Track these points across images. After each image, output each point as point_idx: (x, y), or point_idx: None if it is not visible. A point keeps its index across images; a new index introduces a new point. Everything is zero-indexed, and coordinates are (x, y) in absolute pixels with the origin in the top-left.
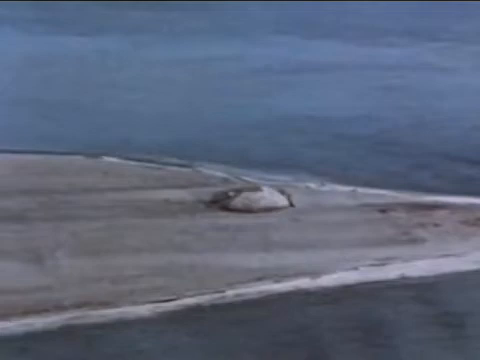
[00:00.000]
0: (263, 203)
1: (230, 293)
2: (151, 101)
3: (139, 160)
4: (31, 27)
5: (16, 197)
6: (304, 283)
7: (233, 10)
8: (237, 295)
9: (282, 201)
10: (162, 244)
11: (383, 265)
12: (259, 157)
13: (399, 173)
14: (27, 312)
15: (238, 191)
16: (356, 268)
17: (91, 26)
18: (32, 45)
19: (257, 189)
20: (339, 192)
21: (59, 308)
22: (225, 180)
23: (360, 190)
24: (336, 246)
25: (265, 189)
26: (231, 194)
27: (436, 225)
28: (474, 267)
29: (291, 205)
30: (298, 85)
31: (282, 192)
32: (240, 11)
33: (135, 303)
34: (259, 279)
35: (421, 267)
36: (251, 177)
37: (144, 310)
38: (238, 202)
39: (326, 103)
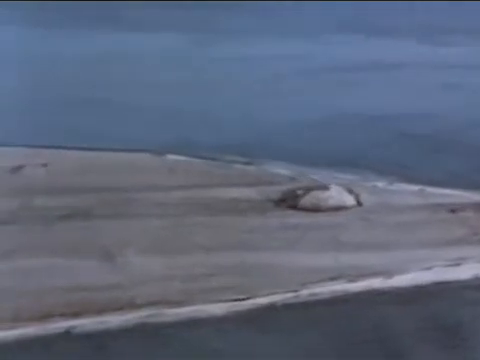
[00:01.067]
0: (331, 202)
1: (304, 292)
2: (211, 99)
3: (204, 158)
4: (91, 25)
5: (82, 194)
6: (377, 283)
7: (292, 9)
8: (311, 295)
9: (350, 200)
10: (232, 243)
11: (456, 265)
12: (323, 155)
13: (463, 172)
14: (102, 310)
15: (306, 190)
16: (429, 268)
17: (149, 24)
18: (91, 43)
19: (325, 188)
20: (407, 191)
21: (133, 306)
22: (292, 179)
23: (428, 189)
24: (407, 246)
25: (333, 188)
26: (299, 193)
27: None
28: None
29: (359, 204)
30: (359, 83)
31: (350, 191)
32: (299, 10)
33: (208, 302)
34: (332, 279)
35: None
36: (317, 176)
37: (217, 309)
38: (306, 201)
39: (387, 101)
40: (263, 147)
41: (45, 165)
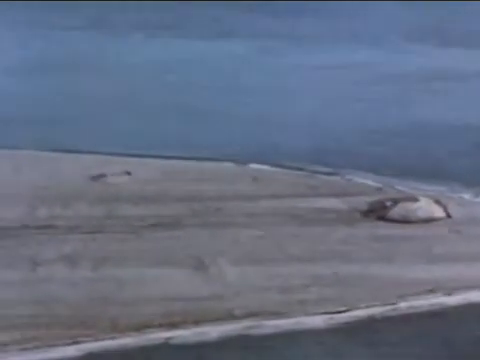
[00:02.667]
0: (420, 214)
1: (402, 305)
2: (285, 107)
3: (287, 167)
4: (156, 32)
5: (170, 203)
6: (476, 296)
7: (360, 16)
8: (409, 307)
9: (439, 212)
10: (325, 254)
11: None
12: (407, 165)
13: None
14: (200, 321)
15: (394, 201)
16: None
17: (216, 30)
18: (159, 50)
19: (414, 199)
20: None
21: (231, 317)
22: (378, 189)
23: None
24: None
25: (422, 199)
26: (388, 204)
27: None
28: None
29: (448, 216)
30: (434, 92)
31: (438, 203)
32: (366, 18)
33: (307, 314)
34: (430, 291)
35: None
36: (403, 186)
37: (317, 321)
38: (395, 212)
39: (464, 111)
40: (345, 156)
41: (128, 173)
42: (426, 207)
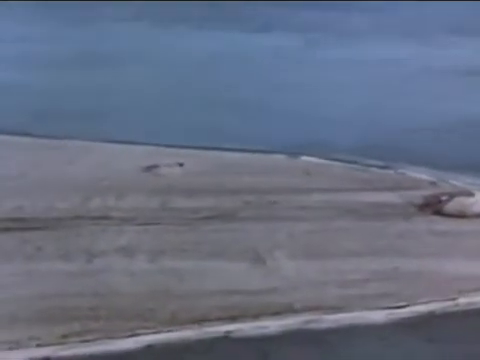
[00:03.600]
0: (476, 209)
1: (463, 301)
2: (333, 101)
3: (338, 160)
4: (201, 25)
5: (224, 196)
6: None
7: (404, 11)
8: (470, 303)
9: None
10: (382, 248)
11: None
12: (459, 159)
13: None
14: (259, 314)
15: (450, 196)
16: None
17: (259, 24)
18: (204, 42)
19: (469, 194)
20: None
21: (290, 311)
22: (432, 183)
23: None
24: None
25: (477, 194)
26: (443, 198)
27: None
28: None
29: None
30: None
31: None
32: (411, 12)
33: (367, 308)
34: None
35: None
36: (457, 181)
37: (377, 316)
38: (451, 207)
39: None
40: (396, 150)
41: (181, 165)
42: None
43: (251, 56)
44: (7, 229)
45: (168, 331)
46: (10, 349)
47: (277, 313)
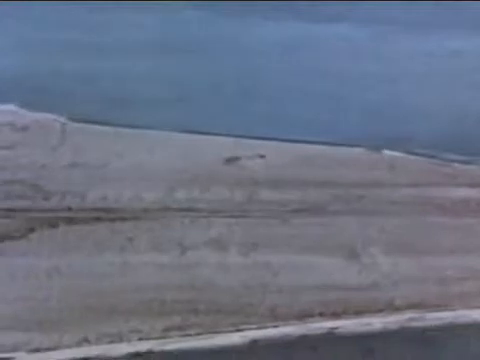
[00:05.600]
0: None
1: None
2: (409, 94)
3: (421, 155)
4: (270, 14)
5: (309, 189)
6: None
7: (473, 3)
8: None
9: None
10: (477, 246)
11: None
12: None
13: None
14: (361, 311)
15: None
16: None
17: (328, 14)
18: (273, 32)
19: None
20: None
21: (392, 308)
22: None
23: None
24: None
25: None
26: None
27: None
28: None
29: None
30: None
31: None
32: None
33: (468, 307)
34: None
35: None
36: None
37: (478, 314)
38: None
39: None
40: (477, 144)
41: (263, 157)
42: None
43: (321, 46)
44: (97, 219)
45: (271, 326)
46: (112, 342)
47: (379, 310)
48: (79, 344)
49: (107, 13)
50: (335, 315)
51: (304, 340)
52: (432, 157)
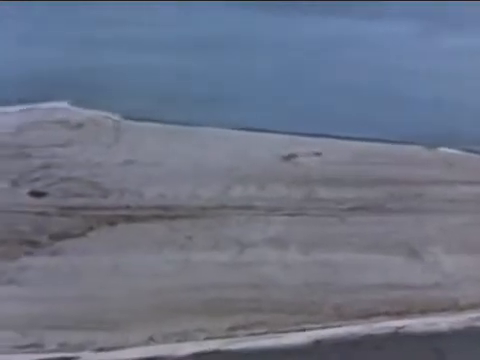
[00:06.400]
0: None
1: None
2: (459, 91)
3: (477, 152)
4: (309, 10)
5: (367, 187)
6: None
7: None
8: None
9: None
10: None
11: None
12: None
13: None
14: (426, 310)
15: None
16: None
17: (372, 10)
18: (315, 28)
19: None
20: None
21: (457, 308)
22: None
23: None
24: None
25: None
26: None
27: None
28: None
29: None
30: None
31: None
32: None
33: None
34: None
35: None
36: None
37: None
38: None
39: None
40: None
41: (319, 154)
42: None
43: (366, 42)
44: (155, 217)
45: (336, 326)
46: (179, 342)
47: (444, 310)
48: (145, 343)
49: (148, 9)
50: (399, 314)
51: (369, 339)
52: None
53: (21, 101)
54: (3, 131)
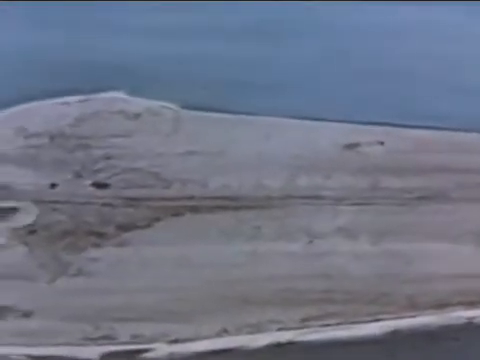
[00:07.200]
0: None
1: None
2: None
3: None
4: None
5: (431, 175)
6: None
7: None
8: None
9: None
10: None
11: None
12: None
13: None
14: None
15: None
16: None
17: None
18: (374, 14)
19: None
20: None
21: None
22: None
23: None
24: None
25: None
26: None
27: None
28: None
29: None
30: None
31: None
32: None
33: None
34: None
35: None
36: None
37: None
38: None
39: None
40: None
41: (381, 143)
42: None
43: (428, 29)
44: (221, 208)
45: (410, 316)
46: (251, 333)
47: None
48: (218, 335)
49: None
50: (472, 304)
51: (445, 330)
52: None
53: (78, 91)
54: (63, 122)
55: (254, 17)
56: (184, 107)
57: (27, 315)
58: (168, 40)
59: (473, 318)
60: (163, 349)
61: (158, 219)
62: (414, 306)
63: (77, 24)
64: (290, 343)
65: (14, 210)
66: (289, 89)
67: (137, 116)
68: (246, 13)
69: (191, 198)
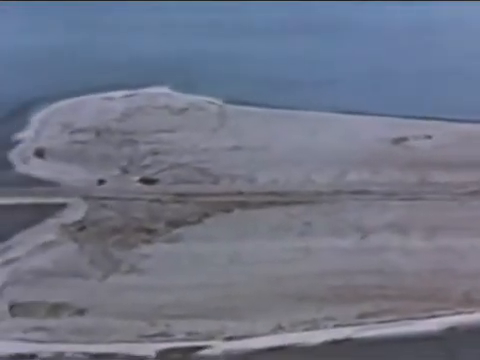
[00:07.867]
0: None
1: None
2: None
3: None
4: None
5: (475, 170)
6: None
7: None
8: None
9: None
10: None
11: None
12: None
13: None
14: None
15: None
16: None
17: None
18: (418, 13)
19: None
20: None
21: None
22: None
23: None
24: None
25: None
26: None
27: None
28: None
29: None
30: None
31: None
32: None
33: None
34: None
35: None
36: None
37: None
38: None
39: None
40: None
41: (429, 137)
42: None
43: (472, 27)
44: (270, 203)
45: (467, 313)
46: (307, 330)
47: None
48: (274, 332)
49: None
50: None
51: None
52: None
53: (124, 86)
54: (109, 117)
55: (296, 17)
56: (228, 102)
57: (81, 312)
58: (213, 38)
59: None
60: (219, 346)
61: (207, 215)
62: (471, 302)
63: (119, 22)
64: (347, 340)
65: (63, 206)
66: (333, 85)
67: (182, 111)
68: (292, 12)
69: (239, 194)
